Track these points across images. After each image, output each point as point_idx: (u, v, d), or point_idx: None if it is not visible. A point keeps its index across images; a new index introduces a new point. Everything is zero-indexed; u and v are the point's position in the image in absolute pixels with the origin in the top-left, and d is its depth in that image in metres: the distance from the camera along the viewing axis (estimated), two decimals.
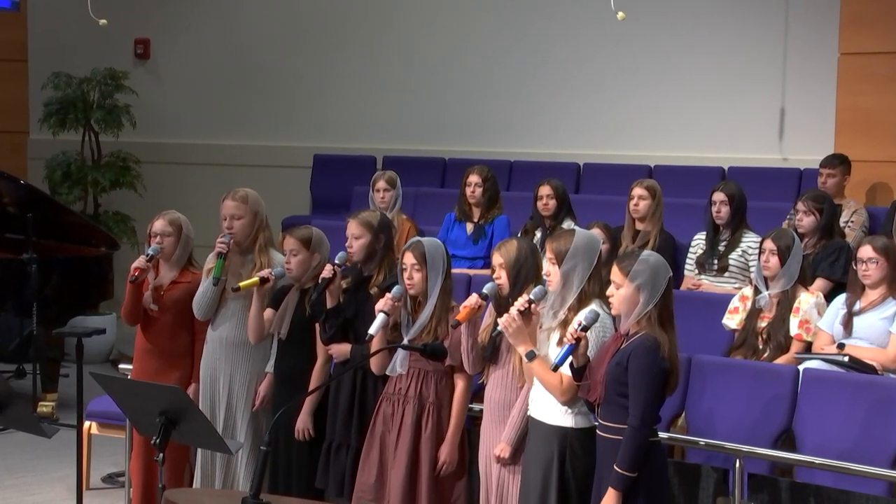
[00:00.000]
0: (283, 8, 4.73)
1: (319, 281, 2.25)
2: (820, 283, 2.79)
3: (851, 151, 3.53)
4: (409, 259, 2.14)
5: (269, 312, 2.36)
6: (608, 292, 1.86)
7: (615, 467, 1.78)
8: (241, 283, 2.34)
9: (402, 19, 4.55)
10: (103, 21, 3.69)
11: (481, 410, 2.14)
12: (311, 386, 2.28)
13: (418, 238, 2.21)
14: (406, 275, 2.14)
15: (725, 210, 3.01)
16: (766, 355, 2.52)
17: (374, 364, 2.18)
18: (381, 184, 3.40)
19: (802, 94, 3.90)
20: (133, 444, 2.53)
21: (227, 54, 4.78)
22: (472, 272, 3.15)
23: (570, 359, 1.84)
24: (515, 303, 1.95)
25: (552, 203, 3.25)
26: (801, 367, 2.38)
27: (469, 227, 3.37)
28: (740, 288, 2.79)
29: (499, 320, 1.97)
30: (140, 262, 2.44)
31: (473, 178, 3.37)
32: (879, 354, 2.42)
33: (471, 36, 4.43)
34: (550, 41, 4.29)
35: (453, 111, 4.43)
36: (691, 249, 3.12)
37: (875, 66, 3.70)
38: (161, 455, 1.73)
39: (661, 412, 1.85)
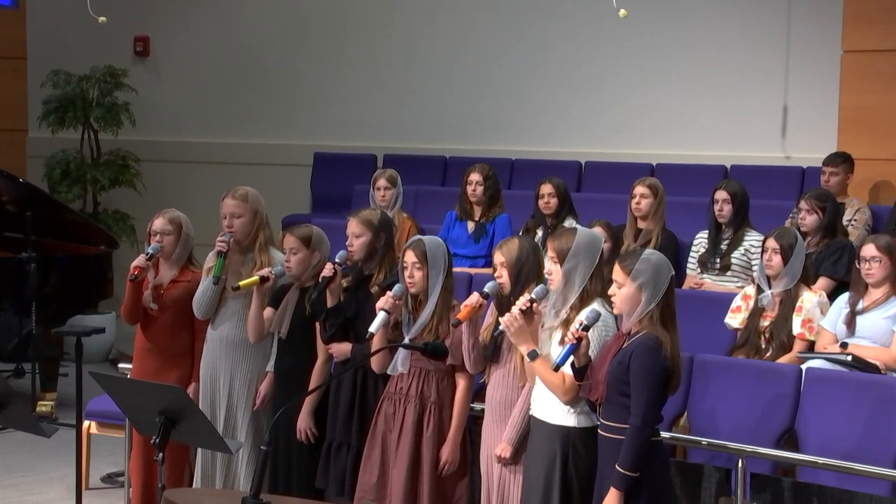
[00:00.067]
0: (284, 5, 4.71)
1: (320, 280, 2.24)
2: (823, 282, 2.79)
3: (854, 149, 3.52)
4: (409, 257, 2.14)
5: (269, 311, 2.35)
6: (610, 291, 1.86)
7: (617, 467, 1.78)
8: (241, 283, 2.33)
9: (403, 17, 4.54)
10: (102, 18, 3.68)
11: (483, 410, 2.14)
12: (312, 385, 2.27)
13: (419, 236, 2.20)
14: (407, 273, 2.14)
15: (728, 208, 3.00)
16: (768, 354, 2.51)
17: (375, 363, 2.17)
18: (382, 182, 3.39)
19: (805, 92, 3.89)
20: (132, 443, 2.52)
21: (228, 52, 4.77)
22: (473, 271, 3.14)
23: (571, 358, 1.83)
24: (517, 302, 1.94)
25: (553, 201, 3.24)
26: (803, 367, 2.37)
27: (470, 225, 3.36)
28: (743, 287, 2.78)
29: (500, 319, 1.96)
30: (140, 260, 2.43)
31: (474, 177, 3.36)
32: (883, 353, 2.42)
33: (472, 34, 4.42)
34: (552, 39, 4.28)
35: (454, 109, 4.42)
36: (693, 248, 3.11)
37: (878, 64, 3.69)
38: (161, 455, 1.72)
39: (663, 412, 1.84)
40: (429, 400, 2.13)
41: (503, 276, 2.05)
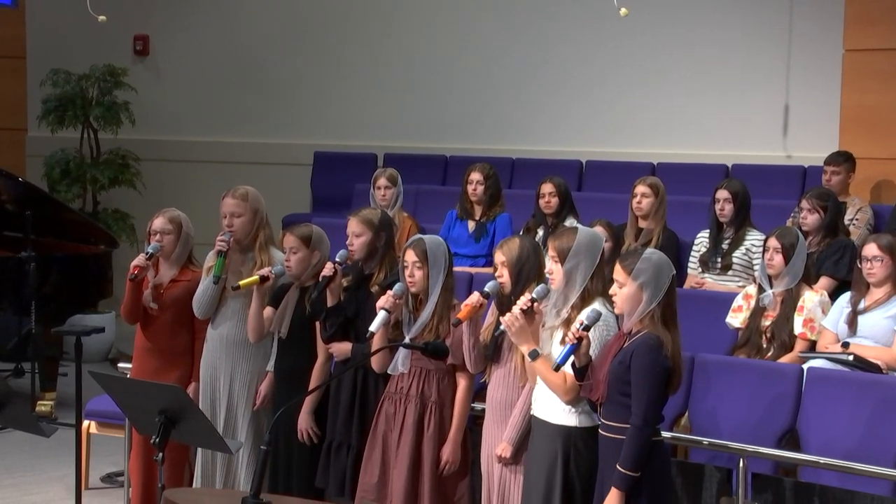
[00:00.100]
0: (284, 4, 4.70)
1: (320, 279, 2.23)
2: (824, 281, 2.78)
3: (856, 149, 3.51)
4: (410, 256, 2.13)
5: (268, 311, 2.34)
6: (611, 291, 1.85)
7: (618, 467, 1.77)
8: (241, 282, 2.33)
9: (403, 16, 4.53)
10: (102, 17, 3.67)
11: (483, 410, 2.13)
12: (312, 385, 2.27)
13: (420, 235, 2.20)
14: (407, 272, 2.13)
15: (729, 208, 2.99)
16: (769, 354, 2.51)
17: (376, 362, 2.17)
18: (382, 181, 3.38)
19: (807, 91, 3.88)
20: (132, 443, 2.52)
21: (228, 51, 4.76)
22: (473, 270, 3.13)
23: (571, 358, 1.83)
24: (518, 301, 1.94)
25: (554, 201, 3.23)
26: (805, 367, 2.37)
27: (471, 225, 3.36)
28: (744, 286, 2.78)
29: (501, 319, 1.96)
30: (140, 260, 2.43)
31: (475, 176, 3.35)
32: (884, 353, 2.41)
33: (472, 33, 4.41)
34: (552, 38, 4.27)
35: (455, 108, 4.41)
36: (695, 247, 3.10)
37: (880, 63, 3.68)
38: (160, 454, 1.72)
39: (664, 411, 1.84)
40: (429, 400, 2.13)
41: (504, 276, 2.05)
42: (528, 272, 2.03)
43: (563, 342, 1.86)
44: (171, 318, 2.46)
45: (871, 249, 2.47)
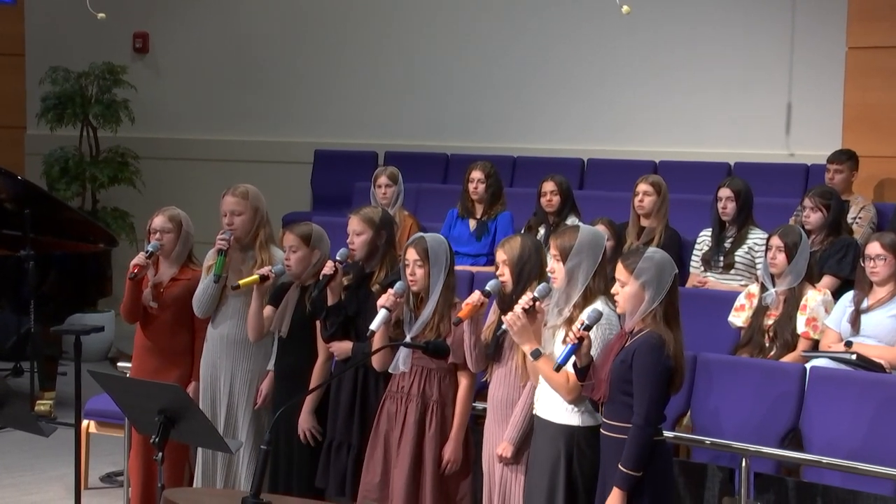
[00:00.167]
0: (284, 1, 4.68)
1: (321, 277, 2.22)
2: (827, 280, 2.77)
3: (859, 147, 3.49)
4: (411, 255, 2.13)
5: (268, 310, 2.34)
6: (613, 290, 1.84)
7: (620, 466, 1.77)
8: (241, 281, 2.32)
9: (403, 14, 4.51)
10: (101, 15, 3.65)
11: (485, 409, 2.12)
12: (312, 384, 2.25)
13: (421, 234, 2.19)
14: (409, 271, 2.12)
15: (731, 206, 2.98)
16: (772, 353, 2.50)
17: (377, 361, 2.16)
18: (383, 180, 3.37)
19: (809, 89, 3.86)
20: (132, 443, 2.51)
21: (228, 48, 4.74)
22: (474, 269, 3.12)
23: (573, 358, 1.82)
24: (520, 301, 1.93)
25: (556, 199, 3.23)
26: (808, 366, 2.36)
27: (472, 223, 3.35)
28: (746, 285, 2.77)
29: (503, 318, 1.95)
30: (139, 258, 2.42)
31: (476, 174, 3.34)
32: (887, 352, 2.40)
33: (473, 30, 4.39)
34: (554, 35, 4.25)
35: (456, 106, 4.40)
36: (697, 246, 3.09)
37: (883, 61, 3.66)
38: (160, 454, 1.71)
39: (666, 411, 1.83)
40: (431, 399, 2.12)
41: (505, 275, 2.04)
42: (529, 271, 2.02)
43: (565, 341, 1.85)
44: (170, 317, 2.46)
45: (874, 248, 2.46)
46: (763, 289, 2.56)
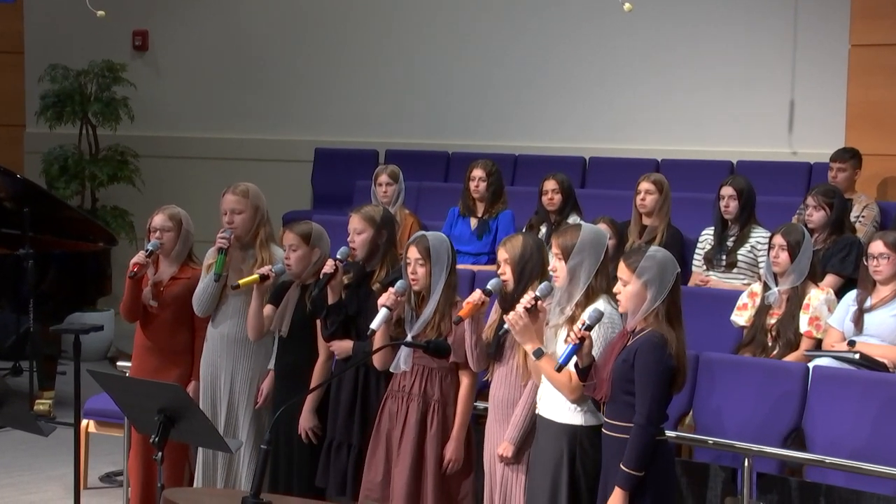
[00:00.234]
0: None
1: (321, 276, 2.21)
2: (830, 279, 2.76)
3: (862, 145, 3.48)
4: (413, 253, 2.12)
5: (269, 309, 2.33)
6: (615, 289, 1.84)
7: (621, 466, 1.76)
8: (241, 281, 2.31)
9: (405, 11, 4.50)
10: (101, 12, 3.63)
11: (486, 409, 2.12)
12: (313, 383, 2.25)
13: (423, 232, 2.18)
14: (410, 269, 2.12)
15: (734, 205, 2.97)
16: (775, 353, 2.49)
17: (378, 360, 2.15)
18: (384, 178, 3.36)
19: (812, 87, 3.85)
20: (131, 442, 2.50)
21: (227, 46, 4.73)
22: (476, 268, 3.12)
23: (574, 358, 1.81)
24: (521, 300, 1.92)
25: (557, 198, 3.22)
26: (810, 365, 2.35)
27: (473, 222, 3.34)
28: (749, 284, 2.76)
29: (505, 318, 1.94)
30: (139, 257, 2.41)
31: (477, 173, 3.33)
32: (891, 352, 2.39)
33: (475, 28, 4.38)
34: (556, 33, 4.24)
35: (457, 104, 4.38)
36: (699, 245, 3.08)
37: (886, 59, 3.65)
38: (160, 454, 1.70)
39: (668, 410, 1.82)
40: (432, 398, 2.11)
41: (506, 273, 2.03)
42: (531, 270, 2.01)
43: (566, 341, 1.84)
44: (170, 316, 2.45)
45: (877, 247, 2.45)
46: (766, 288, 2.55)
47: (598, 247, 1.91)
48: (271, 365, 2.39)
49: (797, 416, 2.28)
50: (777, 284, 2.52)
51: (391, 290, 2.08)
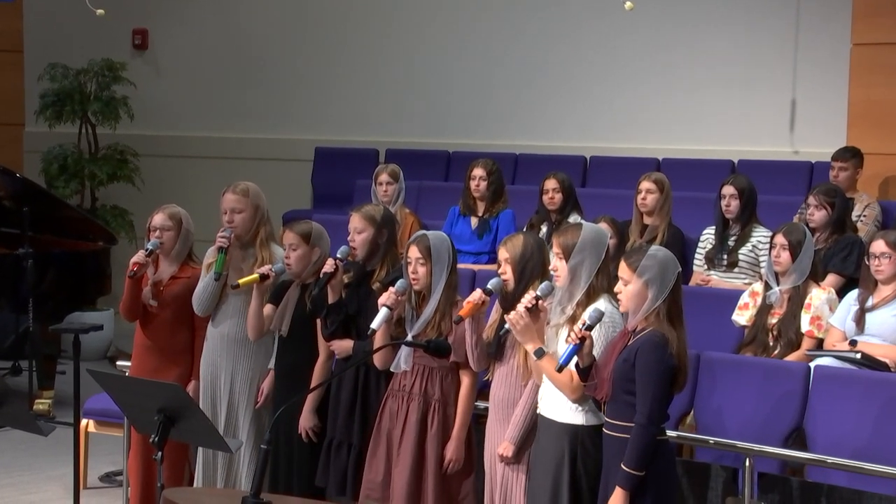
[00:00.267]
0: None
1: (321, 275, 2.21)
2: (832, 278, 2.76)
3: (864, 144, 3.48)
4: (413, 253, 2.11)
5: (269, 308, 2.32)
6: (616, 289, 1.83)
7: (622, 466, 1.76)
8: (241, 280, 2.31)
9: (405, 10, 4.49)
10: (100, 11, 3.62)
11: (486, 408, 2.11)
12: (313, 383, 2.24)
13: (424, 231, 2.18)
14: (411, 269, 2.11)
15: (735, 204, 2.97)
16: (776, 352, 2.49)
17: (378, 360, 2.15)
18: (384, 177, 3.36)
19: (814, 86, 3.85)
20: (131, 442, 2.50)
21: (227, 45, 4.72)
22: (476, 267, 3.11)
23: (575, 358, 1.80)
24: (522, 299, 1.91)
25: (558, 197, 3.21)
26: (812, 365, 2.35)
27: (473, 221, 3.34)
28: (750, 283, 2.76)
29: (506, 317, 1.94)
30: (139, 256, 2.40)
31: (478, 172, 3.33)
32: (892, 351, 2.39)
33: (475, 27, 4.37)
34: (556, 32, 4.23)
35: (457, 103, 4.38)
36: (700, 244, 3.08)
37: (888, 57, 3.64)
38: (160, 453, 1.70)
39: (669, 410, 1.82)
40: (433, 397, 2.11)
41: (507, 273, 2.03)
42: (531, 269, 2.01)
43: (567, 340, 1.83)
44: (170, 316, 2.44)
45: (878, 246, 2.45)
46: (767, 287, 2.55)
47: (599, 246, 1.91)
48: (271, 364, 2.38)
49: (798, 416, 2.28)
50: (778, 284, 2.52)
51: (392, 289, 2.08)
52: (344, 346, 2.24)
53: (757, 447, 2.12)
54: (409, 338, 2.08)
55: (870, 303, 2.44)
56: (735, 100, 3.95)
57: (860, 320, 2.43)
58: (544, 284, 1.94)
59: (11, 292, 3.43)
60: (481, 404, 2.19)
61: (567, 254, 1.90)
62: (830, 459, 2.09)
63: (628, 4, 3.18)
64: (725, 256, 2.96)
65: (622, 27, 4.01)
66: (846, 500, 2.05)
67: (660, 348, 1.75)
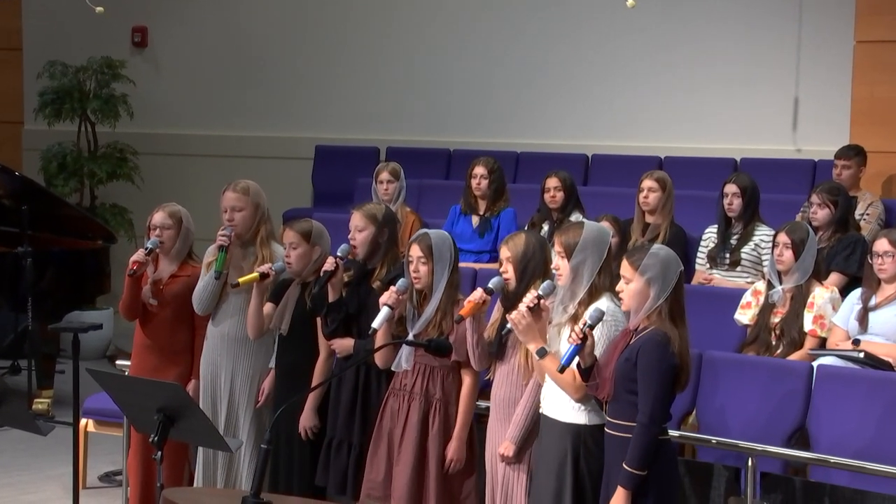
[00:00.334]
0: None
1: (322, 274, 2.20)
2: (834, 277, 2.75)
3: (867, 142, 3.46)
4: (415, 251, 2.11)
5: (269, 307, 2.32)
6: (618, 288, 1.82)
7: (624, 466, 1.75)
8: (241, 279, 2.30)
9: (406, 8, 4.48)
10: (100, 9, 3.61)
11: (488, 408, 2.10)
12: (314, 382, 2.23)
13: (425, 230, 2.17)
14: (412, 267, 2.11)
15: (737, 202, 2.96)
16: (779, 351, 2.48)
17: (380, 359, 2.14)
18: (385, 175, 3.35)
19: (817, 84, 3.83)
20: (131, 441, 2.49)
21: (228, 42, 4.70)
22: (477, 266, 3.10)
23: (577, 358, 1.80)
24: (524, 298, 1.90)
25: (560, 195, 3.20)
26: (815, 364, 2.35)
27: (475, 220, 3.33)
28: (753, 282, 2.75)
29: (508, 317, 1.93)
30: (139, 255, 2.40)
31: (479, 170, 3.32)
32: (895, 350, 2.37)
33: (477, 24, 4.36)
34: (558, 30, 4.21)
35: (458, 101, 4.36)
36: (702, 243, 3.07)
37: (891, 55, 3.64)
38: (159, 453, 1.69)
39: (671, 409, 1.81)
40: (434, 397, 2.10)
41: (509, 272, 2.02)
42: (533, 268, 2.00)
43: (569, 340, 1.82)
44: (170, 315, 2.44)
45: (882, 245, 2.44)
46: (770, 286, 2.54)
47: (601, 244, 1.90)
48: (272, 364, 2.38)
49: (801, 416, 2.27)
50: (781, 283, 2.51)
51: (393, 288, 2.07)
52: (344, 344, 2.23)
53: (759, 447, 2.11)
54: (411, 337, 2.07)
55: (873, 302, 2.44)
56: (737, 98, 3.94)
57: (863, 319, 2.42)
58: (546, 283, 1.93)
59: (10, 291, 3.42)
60: (482, 404, 2.18)
61: (569, 252, 1.89)
62: (833, 459, 2.09)
63: (630, 2, 3.17)
64: (728, 255, 2.95)
65: (623, 26, 3.99)
66: (849, 499, 2.05)
67: (662, 347, 1.75)
